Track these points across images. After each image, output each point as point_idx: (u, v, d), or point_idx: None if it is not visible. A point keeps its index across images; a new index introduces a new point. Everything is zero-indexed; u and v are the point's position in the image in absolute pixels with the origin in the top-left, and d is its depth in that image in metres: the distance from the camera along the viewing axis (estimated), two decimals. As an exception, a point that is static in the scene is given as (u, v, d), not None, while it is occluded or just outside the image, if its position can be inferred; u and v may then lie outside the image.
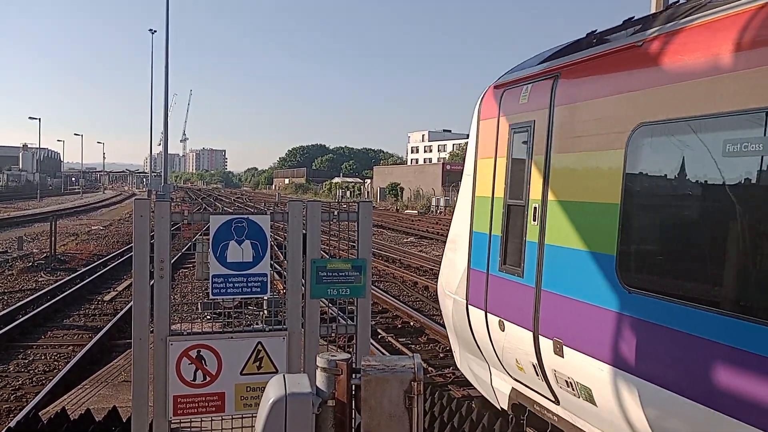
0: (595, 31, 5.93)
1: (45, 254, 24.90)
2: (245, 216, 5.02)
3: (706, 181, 4.29)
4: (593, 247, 4.99)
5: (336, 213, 5.39)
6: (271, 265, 5.11)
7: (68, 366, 11.41)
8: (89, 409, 6.99)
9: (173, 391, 4.87)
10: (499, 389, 6.63)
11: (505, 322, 6.02)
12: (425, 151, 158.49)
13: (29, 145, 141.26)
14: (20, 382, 11.07)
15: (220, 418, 5.03)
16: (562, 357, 5.24)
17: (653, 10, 10.70)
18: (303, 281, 5.15)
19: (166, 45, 43.72)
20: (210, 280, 4.94)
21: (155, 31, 62.21)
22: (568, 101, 5.51)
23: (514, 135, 6.24)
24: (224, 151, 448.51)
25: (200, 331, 5.22)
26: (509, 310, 5.96)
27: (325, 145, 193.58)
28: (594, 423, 5.20)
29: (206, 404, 4.94)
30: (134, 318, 4.88)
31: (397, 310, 16.02)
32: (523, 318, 5.73)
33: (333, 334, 5.42)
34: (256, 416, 4.91)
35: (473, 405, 7.26)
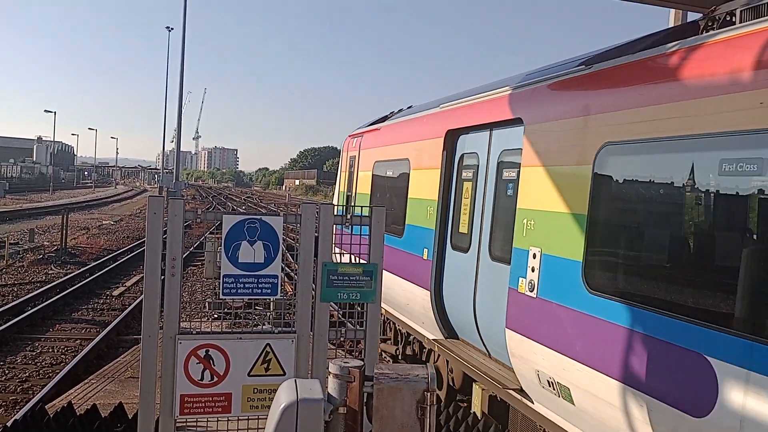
0: (394, 110, 12.45)
1: (56, 247, 25.05)
2: (258, 217, 5.00)
3: (395, 185, 10.24)
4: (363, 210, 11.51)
5: (349, 217, 5.36)
6: (281, 267, 5.09)
7: (75, 360, 11.44)
8: (95, 404, 6.99)
9: (180, 390, 4.86)
10: None
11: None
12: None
13: (43, 138, 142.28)
14: (27, 375, 11.11)
15: (226, 418, 5.01)
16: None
17: (671, 24, 10.75)
18: (313, 284, 5.12)
19: (183, 42, 44.00)
20: (220, 280, 4.93)
21: (172, 29, 62.57)
22: (364, 148, 12.26)
23: (350, 161, 13.23)
24: (236, 150, 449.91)
25: (209, 330, 5.20)
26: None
27: (336, 148, 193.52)
28: (392, 305, 10.17)
29: (213, 404, 4.92)
30: (144, 315, 4.87)
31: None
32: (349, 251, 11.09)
33: (341, 339, 5.40)
34: (262, 418, 4.89)
35: (479, 416, 7.22)
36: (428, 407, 2.67)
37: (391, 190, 10.42)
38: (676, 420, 4.24)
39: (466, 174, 7.97)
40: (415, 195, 9.17)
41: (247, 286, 4.97)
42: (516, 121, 6.71)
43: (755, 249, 4.02)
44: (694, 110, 4.45)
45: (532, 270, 5.94)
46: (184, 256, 5.32)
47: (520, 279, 6.09)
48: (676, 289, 4.57)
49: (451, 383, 8.53)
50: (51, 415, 6.54)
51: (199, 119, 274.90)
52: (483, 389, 7.41)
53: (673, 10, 11.73)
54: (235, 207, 55.05)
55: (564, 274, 5.52)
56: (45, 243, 26.61)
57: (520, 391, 6.36)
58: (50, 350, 12.58)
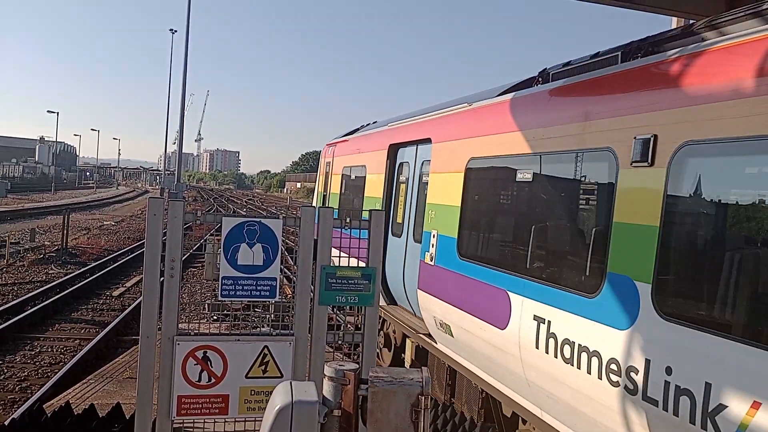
0: (364, 123, 14.78)
1: (56, 247, 25.08)
2: (258, 219, 5.02)
3: (356, 185, 12.66)
4: (333, 205, 13.13)
5: (348, 220, 5.38)
6: (280, 269, 5.10)
7: (74, 360, 11.46)
8: (93, 404, 7.00)
9: (178, 391, 4.87)
10: None
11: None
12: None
13: (46, 138, 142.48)
14: (26, 374, 11.13)
15: (223, 420, 5.02)
16: None
17: (673, 27, 10.92)
18: (311, 287, 5.14)
19: (186, 45, 44.07)
20: (219, 282, 4.95)
21: (176, 32, 62.70)
22: (337, 155, 14.68)
23: (326, 165, 15.72)
24: (238, 152, 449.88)
25: (207, 332, 5.21)
26: None
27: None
28: None
29: (210, 406, 4.93)
30: (143, 316, 4.88)
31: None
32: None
33: (339, 341, 5.41)
34: (259, 420, 4.90)
35: (476, 420, 7.23)
36: (422, 410, 2.69)
37: (354, 190, 13.08)
38: (492, 332, 6.48)
39: (402, 178, 10.50)
40: (369, 194, 11.71)
41: (245, 288, 4.98)
42: (429, 140, 9.07)
43: (535, 226, 6.16)
44: (504, 141, 6.87)
45: (432, 246, 8.30)
46: (184, 257, 5.34)
47: (426, 253, 8.45)
48: (497, 251, 7.00)
49: (395, 342, 10.91)
50: (49, 415, 6.55)
51: (201, 121, 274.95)
52: (412, 342, 9.72)
53: (675, 18, 11.93)
54: (237, 210, 55.05)
55: (448, 247, 7.86)
56: (46, 243, 26.64)
57: (429, 336, 8.66)
58: (49, 350, 12.60)
